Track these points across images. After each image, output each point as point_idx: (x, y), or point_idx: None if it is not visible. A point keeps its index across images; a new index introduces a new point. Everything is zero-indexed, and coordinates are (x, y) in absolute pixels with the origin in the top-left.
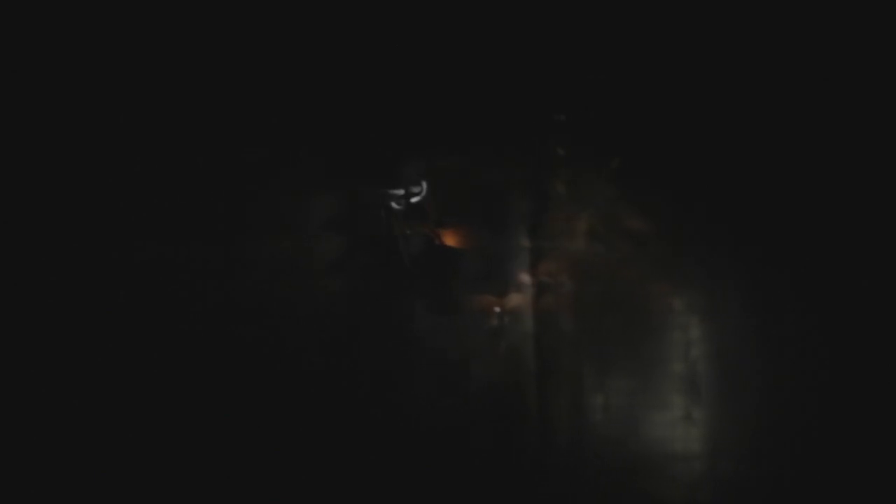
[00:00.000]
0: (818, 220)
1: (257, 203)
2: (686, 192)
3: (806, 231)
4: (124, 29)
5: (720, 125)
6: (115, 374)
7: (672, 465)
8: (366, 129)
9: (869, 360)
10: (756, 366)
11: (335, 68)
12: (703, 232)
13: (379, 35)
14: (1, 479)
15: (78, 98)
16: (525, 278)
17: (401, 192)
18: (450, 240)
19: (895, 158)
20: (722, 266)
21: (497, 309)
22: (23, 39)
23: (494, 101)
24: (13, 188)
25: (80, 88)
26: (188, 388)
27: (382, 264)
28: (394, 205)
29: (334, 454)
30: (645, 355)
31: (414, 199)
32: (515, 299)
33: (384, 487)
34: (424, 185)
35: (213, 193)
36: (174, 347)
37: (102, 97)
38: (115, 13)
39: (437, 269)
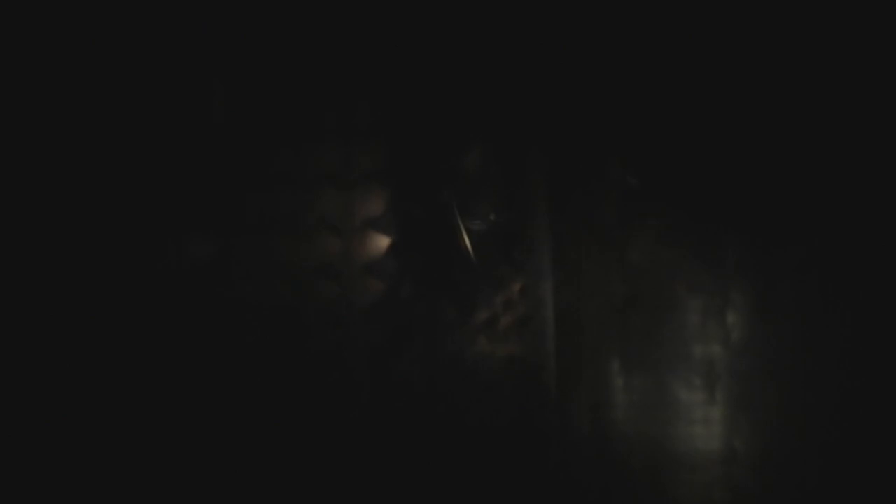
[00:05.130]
0: (845, 219)
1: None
2: (714, 186)
3: (835, 229)
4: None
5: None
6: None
7: (691, 463)
8: (419, 123)
9: None
10: (781, 367)
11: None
12: (733, 227)
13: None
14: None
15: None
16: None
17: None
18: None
19: None
20: (748, 262)
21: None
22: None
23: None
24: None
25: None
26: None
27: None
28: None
29: (348, 440)
30: (667, 345)
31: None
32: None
33: (398, 475)
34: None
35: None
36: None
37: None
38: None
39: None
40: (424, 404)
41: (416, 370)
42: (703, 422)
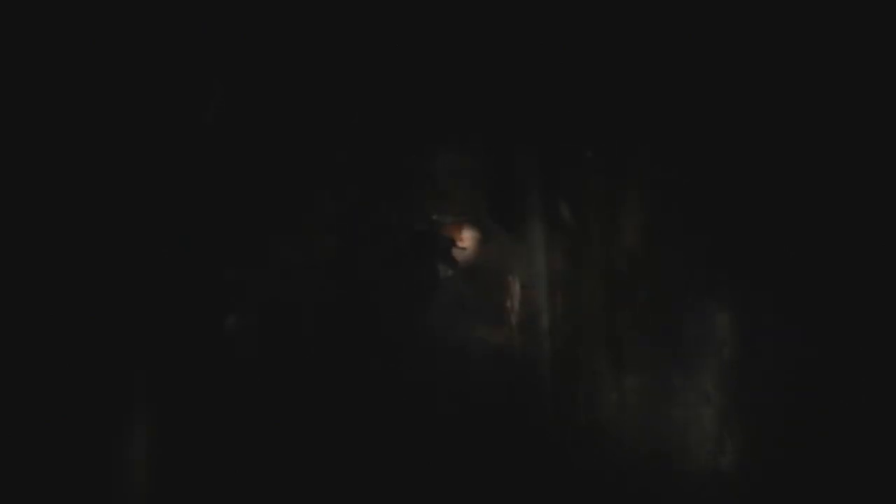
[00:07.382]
0: (843, 215)
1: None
2: (708, 184)
3: (833, 225)
4: None
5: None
6: None
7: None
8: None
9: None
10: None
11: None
12: (724, 223)
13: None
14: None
15: None
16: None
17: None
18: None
19: None
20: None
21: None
22: None
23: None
24: None
25: None
26: None
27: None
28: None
29: (343, 432)
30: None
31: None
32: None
33: (395, 469)
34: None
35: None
36: None
37: None
38: None
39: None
40: (419, 401)
41: (412, 368)
42: (698, 417)
